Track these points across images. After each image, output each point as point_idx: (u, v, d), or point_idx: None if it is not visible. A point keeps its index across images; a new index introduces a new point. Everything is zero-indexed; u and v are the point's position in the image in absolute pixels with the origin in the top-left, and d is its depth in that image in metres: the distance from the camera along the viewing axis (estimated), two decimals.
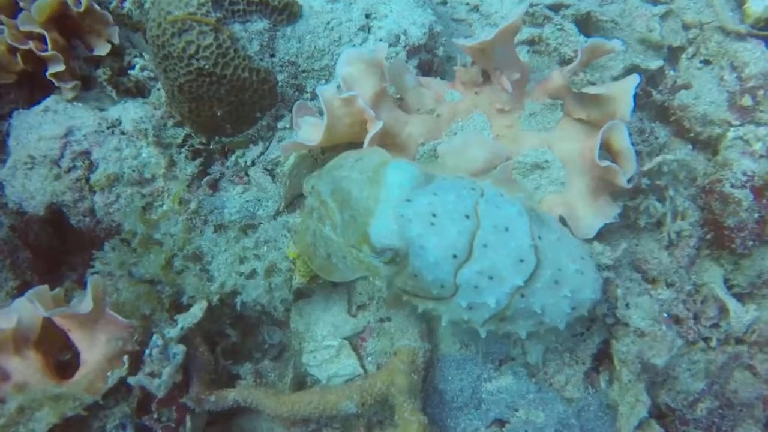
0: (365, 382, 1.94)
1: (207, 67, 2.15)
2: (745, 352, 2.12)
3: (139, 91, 2.80)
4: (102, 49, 2.74)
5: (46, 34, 2.57)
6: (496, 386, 2.01)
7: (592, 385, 2.07)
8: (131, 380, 1.95)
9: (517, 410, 1.97)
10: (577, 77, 2.06)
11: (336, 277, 1.87)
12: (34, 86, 2.79)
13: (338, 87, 2.11)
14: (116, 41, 2.76)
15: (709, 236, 2.24)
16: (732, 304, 2.19)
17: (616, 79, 2.41)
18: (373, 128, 1.98)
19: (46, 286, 2.12)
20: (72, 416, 1.95)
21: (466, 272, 1.65)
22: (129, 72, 2.75)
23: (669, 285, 2.14)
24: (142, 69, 2.73)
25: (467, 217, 1.65)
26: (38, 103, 2.67)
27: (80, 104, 2.67)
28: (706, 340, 2.15)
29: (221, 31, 2.14)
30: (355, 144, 2.10)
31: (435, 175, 1.75)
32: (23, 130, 2.55)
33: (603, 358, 2.12)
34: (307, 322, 2.23)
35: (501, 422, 1.99)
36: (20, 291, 2.60)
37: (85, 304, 1.99)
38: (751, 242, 2.16)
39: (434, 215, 1.63)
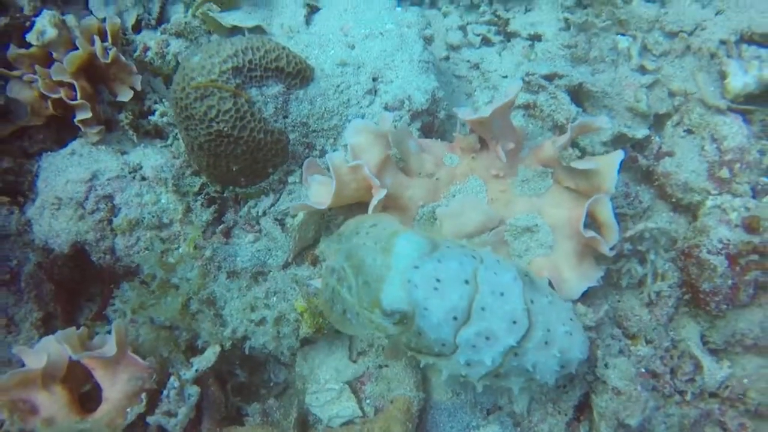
0: (364, 427, 2.11)
1: (226, 129, 2.33)
2: (716, 409, 2.29)
3: (158, 134, 2.99)
4: (125, 95, 2.94)
5: (75, 83, 2.76)
6: None
7: None
8: (150, 419, 2.13)
9: None
10: (566, 151, 2.25)
11: (349, 331, 2.05)
12: (60, 126, 2.98)
13: (345, 147, 2.29)
14: (138, 88, 2.95)
15: (686, 297, 2.41)
16: (707, 361, 2.36)
17: (605, 144, 2.59)
18: (377, 195, 2.16)
19: (73, 329, 2.31)
20: None
21: (465, 333, 1.83)
22: (149, 118, 2.94)
23: (648, 342, 2.31)
24: (162, 115, 2.92)
25: (467, 282, 1.84)
26: (65, 144, 2.86)
27: (103, 147, 2.86)
28: (681, 393, 2.31)
29: (240, 96, 2.33)
30: (362, 204, 2.29)
31: (440, 243, 1.94)
32: (51, 173, 2.73)
33: (584, 408, 2.29)
34: (311, 366, 2.41)
35: None
36: (44, 321, 2.80)
37: (109, 347, 2.17)
38: (725, 306, 2.33)
39: (438, 281, 1.81)
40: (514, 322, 1.85)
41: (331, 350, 2.40)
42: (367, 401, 2.35)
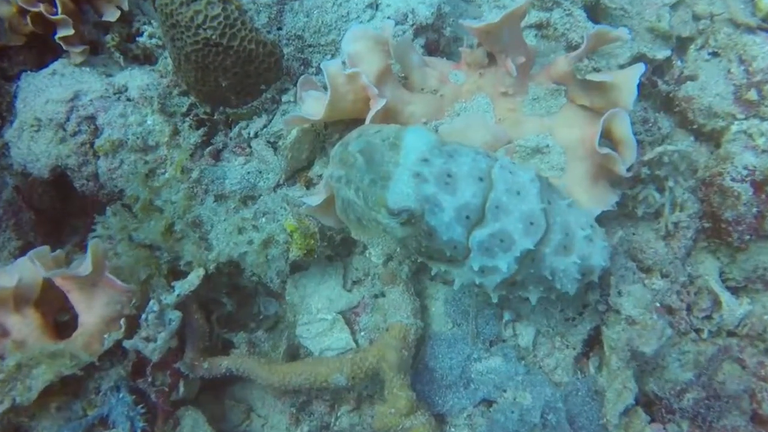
0: (356, 356, 1.97)
1: (214, 37, 2.15)
2: (735, 345, 2.14)
3: (147, 59, 2.81)
4: (111, 15, 2.75)
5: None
6: (486, 366, 2.03)
7: (581, 371, 2.09)
8: (127, 343, 1.99)
9: (505, 391, 2.00)
10: (581, 63, 2.06)
11: (370, 237, 1.97)
12: (42, 49, 2.80)
13: (343, 63, 2.11)
14: (125, 8, 2.76)
15: (707, 228, 2.24)
16: (726, 297, 2.20)
17: (622, 67, 2.40)
18: (376, 106, 1.98)
19: (47, 247, 2.16)
20: (68, 375, 2.00)
21: (479, 234, 1.69)
22: (137, 39, 2.75)
23: (664, 275, 2.15)
24: (150, 36, 2.73)
25: (481, 179, 1.69)
26: (46, 66, 2.69)
27: (88, 69, 2.69)
28: (697, 331, 2.16)
29: (230, 2, 2.14)
30: (359, 121, 2.11)
31: (451, 140, 1.78)
32: (31, 93, 2.57)
33: (593, 343, 2.14)
34: (303, 294, 2.26)
35: (488, 402, 2.02)
36: (23, 252, 2.64)
37: (84, 266, 2.02)
38: (748, 236, 2.16)
39: (449, 176, 1.67)
40: (531, 224, 1.70)
41: (323, 278, 2.25)
42: (362, 333, 2.20)
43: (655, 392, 2.01)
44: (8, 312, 2.04)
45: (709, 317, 2.20)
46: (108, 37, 2.75)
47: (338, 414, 2.17)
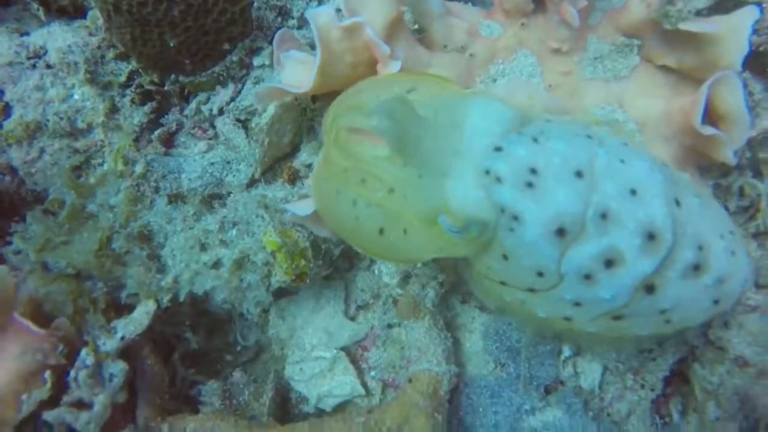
0: (370, 419, 1.44)
1: None
2: None
3: (77, 11, 2.15)
4: None
5: None
6: (542, 421, 1.53)
7: (661, 416, 1.60)
8: (48, 416, 1.43)
9: None
10: (672, 7, 1.50)
11: (394, 258, 1.45)
12: None
13: (338, 11, 1.51)
14: None
15: None
16: None
17: (699, 12, 1.83)
18: (387, 70, 1.40)
19: None
20: None
21: (576, 255, 1.20)
22: None
23: (761, 287, 1.65)
24: None
25: (580, 175, 1.18)
26: None
27: None
28: None
29: None
30: None
31: (534, 116, 1.26)
32: None
33: (672, 379, 1.64)
34: (292, 326, 1.72)
35: None
36: None
37: None
38: None
39: (534, 172, 1.17)
40: (652, 237, 1.19)
41: (318, 304, 1.70)
42: (372, 373, 1.68)
43: None
44: None
45: None
46: None
47: None
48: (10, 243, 1.79)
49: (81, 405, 1.46)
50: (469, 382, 1.56)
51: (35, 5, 2.09)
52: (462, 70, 1.62)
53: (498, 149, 1.17)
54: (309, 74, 1.44)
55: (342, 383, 1.65)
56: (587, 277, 1.21)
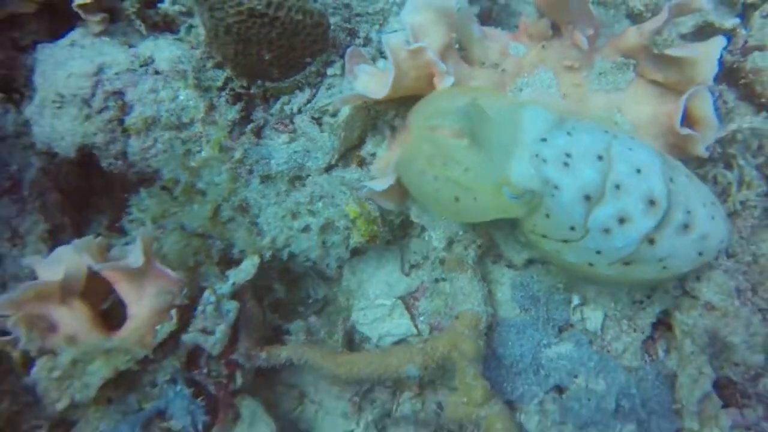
0: (427, 346, 1.90)
1: (259, 7, 1.99)
2: None
3: (167, 26, 2.62)
4: None
5: None
6: (557, 352, 1.98)
7: (649, 354, 2.05)
8: (186, 338, 1.90)
9: (576, 377, 1.95)
10: (661, 37, 1.94)
11: (464, 219, 1.93)
12: (55, 16, 2.61)
13: (402, 35, 1.96)
14: None
15: None
16: None
17: (683, 37, 2.29)
18: (444, 83, 1.86)
19: (91, 237, 2.04)
20: (124, 370, 1.91)
21: (598, 215, 1.67)
22: (158, 5, 2.56)
23: (730, 255, 2.09)
24: (174, 2, 2.54)
25: (600, 158, 1.66)
26: (61, 36, 2.50)
27: (107, 39, 2.51)
28: (763, 311, 2.12)
29: None
30: (416, 98, 1.98)
31: (568, 117, 1.75)
32: (50, 66, 2.39)
33: (659, 326, 2.09)
34: (360, 280, 2.17)
35: (560, 389, 1.97)
36: (51, 234, 2.51)
37: (134, 257, 1.90)
38: None
39: (568, 155, 1.64)
40: (652, 203, 1.66)
41: (381, 263, 2.16)
42: (421, 318, 2.13)
43: (729, 377, 1.98)
44: (56, 306, 1.93)
45: None
46: (126, 3, 2.55)
47: (400, 400, 2.11)
48: (129, 213, 2.27)
49: (206, 331, 1.93)
50: (500, 322, 2.02)
51: (138, 22, 2.56)
52: (496, 82, 2.08)
53: (543, 140, 1.65)
54: (384, 85, 1.89)
55: (399, 325, 2.11)
56: (606, 231, 1.68)
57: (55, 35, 2.56)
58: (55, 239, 2.52)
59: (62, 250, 1.99)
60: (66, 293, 1.94)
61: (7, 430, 1.99)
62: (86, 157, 2.42)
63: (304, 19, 2.08)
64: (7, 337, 1.92)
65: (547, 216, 1.70)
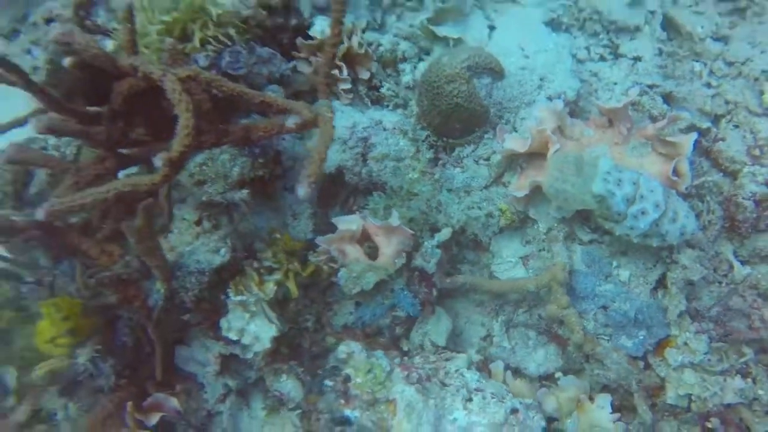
0: (538, 277, 3.73)
1: (462, 102, 3.93)
2: (740, 288, 3.87)
3: (378, 101, 4.60)
4: (364, 75, 4.51)
5: (343, 65, 4.39)
6: (604, 289, 3.79)
7: (653, 295, 3.85)
8: (416, 263, 3.76)
9: (614, 302, 3.75)
10: (664, 131, 3.81)
11: (571, 207, 3.70)
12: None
13: (533, 121, 3.88)
14: (374, 71, 4.56)
15: (727, 225, 3.99)
16: (737, 264, 3.93)
17: (682, 131, 4.16)
18: (553, 148, 3.76)
19: (357, 214, 3.94)
20: (381, 280, 3.76)
21: (632, 209, 3.41)
22: (379, 90, 4.55)
23: (701, 250, 3.90)
24: (387, 88, 4.53)
25: (634, 183, 3.43)
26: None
27: (350, 107, 4.48)
28: (719, 282, 3.90)
29: (470, 83, 3.93)
30: (540, 153, 3.88)
31: (619, 164, 3.59)
32: None
33: (660, 282, 3.89)
34: (498, 246, 4.03)
35: (605, 307, 3.77)
36: (313, 216, 4.43)
37: (393, 219, 3.80)
38: (750, 230, 3.90)
39: (620, 180, 3.42)
40: (657, 206, 3.45)
41: (511, 238, 4.02)
42: (531, 271, 3.96)
43: (696, 308, 3.76)
44: (348, 243, 3.82)
45: (726, 275, 3.94)
46: (360, 88, 4.55)
47: (518, 312, 3.93)
48: (366, 205, 4.17)
49: (425, 260, 3.78)
50: (574, 272, 3.84)
51: (366, 99, 4.54)
52: (577, 147, 3.97)
53: (608, 173, 3.43)
54: (523, 145, 3.80)
55: (519, 272, 3.94)
56: (635, 217, 3.44)
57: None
58: (315, 218, 4.43)
59: (351, 217, 3.90)
60: (354, 238, 3.83)
61: None
62: (338, 172, 4.35)
63: (480, 109, 4.02)
64: (322, 257, 3.81)
65: (608, 208, 3.46)
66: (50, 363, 3.61)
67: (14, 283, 3.86)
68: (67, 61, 3.10)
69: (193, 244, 3.90)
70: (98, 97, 3.36)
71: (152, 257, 3.48)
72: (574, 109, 4.23)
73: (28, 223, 3.45)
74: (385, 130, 4.31)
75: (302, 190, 2.57)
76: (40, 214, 2.50)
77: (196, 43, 3.87)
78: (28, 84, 3.00)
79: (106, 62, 3.04)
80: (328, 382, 3.36)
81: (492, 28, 4.60)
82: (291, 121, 3.02)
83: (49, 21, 4.82)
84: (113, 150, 3.54)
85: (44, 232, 3.53)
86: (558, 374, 3.75)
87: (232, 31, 3.88)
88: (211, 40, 3.87)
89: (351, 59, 4.50)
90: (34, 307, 3.93)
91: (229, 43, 3.90)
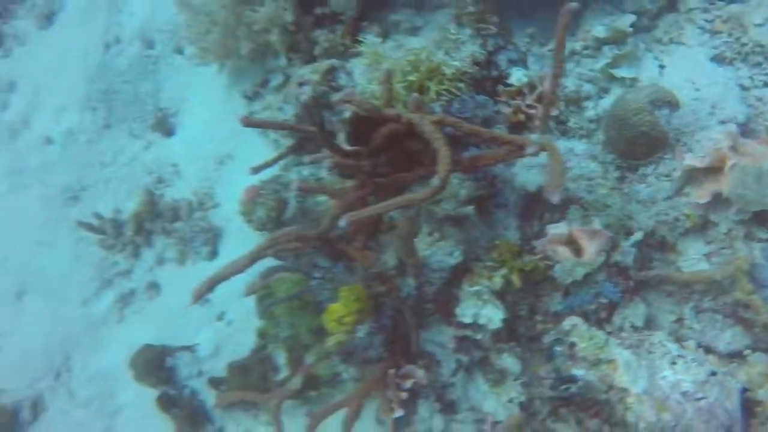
0: (724, 268, 4.51)
1: (647, 130, 4.86)
2: None
3: (565, 133, 5.61)
4: (553, 111, 5.60)
5: (537, 105, 5.47)
6: None
7: None
8: (615, 258, 4.68)
9: None
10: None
11: (748, 210, 4.52)
12: (516, 128, 5.71)
13: (712, 142, 4.72)
14: (559, 111, 5.60)
15: None
16: None
17: None
18: (731, 162, 4.57)
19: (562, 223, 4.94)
20: (588, 273, 4.70)
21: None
22: (566, 123, 5.58)
23: None
24: (574, 123, 5.54)
25: None
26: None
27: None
28: None
29: (653, 114, 4.85)
30: (715, 168, 4.70)
31: None
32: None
33: None
34: (684, 246, 4.86)
35: None
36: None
37: (595, 224, 4.74)
38: None
39: None
40: None
41: (695, 239, 4.84)
42: (714, 266, 4.75)
43: None
44: (559, 245, 4.81)
45: None
46: (551, 123, 5.60)
47: (704, 300, 4.71)
48: (569, 215, 5.17)
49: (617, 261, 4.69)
50: (755, 265, 4.57)
51: (555, 131, 5.58)
52: (752, 162, 4.74)
53: None
54: (702, 162, 4.65)
55: (705, 268, 4.74)
56: None
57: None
58: (521, 230, 5.47)
59: (560, 224, 4.89)
60: (562, 240, 4.82)
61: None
62: (538, 190, 5.39)
63: (661, 135, 4.92)
64: (539, 256, 4.83)
65: None
66: (338, 336, 4.87)
67: (305, 279, 5.24)
68: (348, 114, 4.49)
69: (431, 249, 5.09)
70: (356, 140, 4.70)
71: (410, 257, 4.70)
72: (745, 131, 5.01)
73: (314, 234, 4.77)
74: (576, 155, 5.32)
75: (556, 197, 3.62)
76: (343, 222, 3.68)
77: (432, 95, 5.13)
78: (323, 136, 4.42)
79: (375, 113, 4.26)
80: (558, 348, 4.33)
81: (662, 66, 5.50)
82: (530, 150, 4.11)
83: (301, 84, 6.32)
84: (371, 179, 4.83)
85: (322, 241, 4.85)
86: (747, 351, 4.48)
87: (461, 85, 5.09)
88: (444, 92, 5.12)
89: (542, 99, 5.55)
90: (317, 298, 5.27)
91: (458, 94, 5.12)
